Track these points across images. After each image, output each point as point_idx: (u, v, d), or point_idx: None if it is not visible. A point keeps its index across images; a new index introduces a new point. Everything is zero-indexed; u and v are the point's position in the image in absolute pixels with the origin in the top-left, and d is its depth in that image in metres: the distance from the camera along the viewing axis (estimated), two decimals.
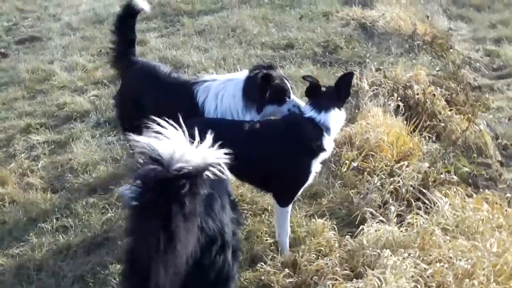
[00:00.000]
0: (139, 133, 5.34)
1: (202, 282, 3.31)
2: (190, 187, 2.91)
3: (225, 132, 4.67)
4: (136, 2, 5.78)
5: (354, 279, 4.42)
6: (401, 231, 4.81)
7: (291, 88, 5.22)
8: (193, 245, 3.00)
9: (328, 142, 4.68)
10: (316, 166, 4.71)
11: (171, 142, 3.00)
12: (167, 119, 5.06)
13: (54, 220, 5.68)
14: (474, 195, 5.57)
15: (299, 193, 4.87)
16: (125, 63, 5.94)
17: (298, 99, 5.24)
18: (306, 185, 4.79)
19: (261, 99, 5.08)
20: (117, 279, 4.80)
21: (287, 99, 5.15)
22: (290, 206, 4.88)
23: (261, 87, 5.04)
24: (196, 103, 5.25)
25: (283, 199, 4.80)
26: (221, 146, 4.11)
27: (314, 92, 4.75)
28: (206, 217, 3.22)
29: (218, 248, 3.29)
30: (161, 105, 5.41)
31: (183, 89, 5.39)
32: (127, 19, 5.87)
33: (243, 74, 5.31)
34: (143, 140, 3.00)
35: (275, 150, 4.60)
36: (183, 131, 3.13)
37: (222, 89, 5.23)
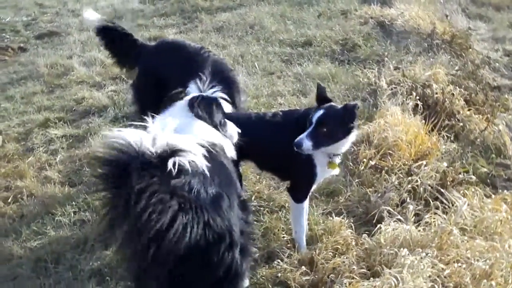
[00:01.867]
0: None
1: (211, 278, 3.35)
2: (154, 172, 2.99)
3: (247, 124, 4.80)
4: (87, 19, 6.38)
5: (371, 278, 4.39)
6: (419, 231, 4.78)
7: None
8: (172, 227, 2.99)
9: None
10: (321, 161, 4.67)
11: (139, 132, 3.11)
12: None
13: (72, 214, 5.73)
14: (493, 196, 5.53)
15: (312, 189, 4.83)
16: (135, 51, 6.11)
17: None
18: (316, 180, 4.77)
19: None
20: None
21: None
22: (306, 203, 4.88)
23: None
24: None
25: (297, 195, 4.81)
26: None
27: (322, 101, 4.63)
28: (214, 215, 3.25)
29: (227, 245, 3.32)
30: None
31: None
32: (108, 35, 6.23)
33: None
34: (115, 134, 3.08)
35: (283, 142, 4.61)
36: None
37: None
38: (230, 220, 3.40)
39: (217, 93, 5.16)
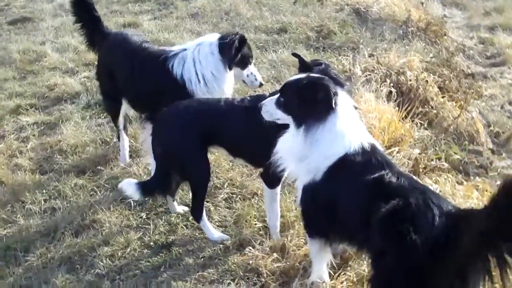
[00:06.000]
0: (119, 105, 5.81)
1: None
2: None
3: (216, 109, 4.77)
4: None
5: (344, 264, 4.43)
6: None
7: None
8: None
9: None
10: None
11: None
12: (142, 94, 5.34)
13: (42, 202, 5.68)
14: (465, 183, 5.58)
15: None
16: (99, 38, 6.08)
17: (255, 68, 5.74)
18: None
19: (234, 58, 5.36)
20: (104, 262, 4.79)
21: (248, 65, 5.59)
22: (279, 188, 4.86)
23: (237, 47, 5.34)
24: (173, 77, 5.42)
25: (270, 180, 4.76)
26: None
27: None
28: None
29: None
30: (135, 79, 5.62)
31: (157, 64, 5.51)
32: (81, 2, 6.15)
33: (211, 37, 5.54)
34: None
35: (256, 127, 4.57)
36: None
37: (197, 54, 5.42)
38: None
39: None
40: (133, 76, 5.64)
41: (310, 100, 3.90)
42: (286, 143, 4.11)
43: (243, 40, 5.41)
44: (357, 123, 4.04)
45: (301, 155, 4.00)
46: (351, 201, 3.77)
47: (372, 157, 3.77)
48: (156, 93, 5.47)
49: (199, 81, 5.38)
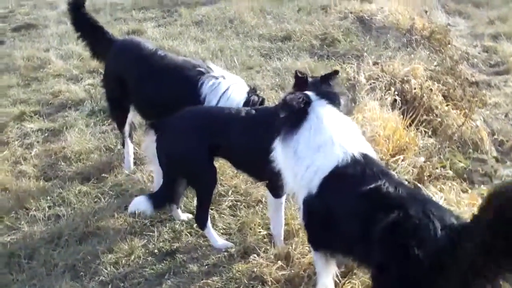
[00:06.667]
0: (126, 113, 5.78)
1: None
2: None
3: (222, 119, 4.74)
4: None
5: (349, 272, 4.41)
6: None
7: None
8: None
9: None
10: None
11: None
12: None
13: (47, 209, 5.67)
14: (469, 191, 5.56)
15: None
16: (104, 45, 6.07)
17: None
18: None
19: None
20: (109, 269, 4.78)
21: None
22: (284, 197, 4.84)
23: None
24: (198, 93, 5.35)
25: (276, 190, 4.73)
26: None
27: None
28: None
29: None
30: (149, 85, 5.59)
31: (185, 76, 5.48)
32: (78, 10, 6.28)
33: (245, 86, 5.51)
34: None
35: (262, 138, 4.55)
36: None
37: (231, 89, 5.38)
38: None
39: None
40: (147, 82, 5.60)
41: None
42: (279, 157, 4.13)
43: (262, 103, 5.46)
44: (346, 134, 3.97)
45: (293, 169, 4.02)
46: (347, 214, 3.72)
47: (366, 168, 3.71)
48: (171, 102, 5.30)
49: None
